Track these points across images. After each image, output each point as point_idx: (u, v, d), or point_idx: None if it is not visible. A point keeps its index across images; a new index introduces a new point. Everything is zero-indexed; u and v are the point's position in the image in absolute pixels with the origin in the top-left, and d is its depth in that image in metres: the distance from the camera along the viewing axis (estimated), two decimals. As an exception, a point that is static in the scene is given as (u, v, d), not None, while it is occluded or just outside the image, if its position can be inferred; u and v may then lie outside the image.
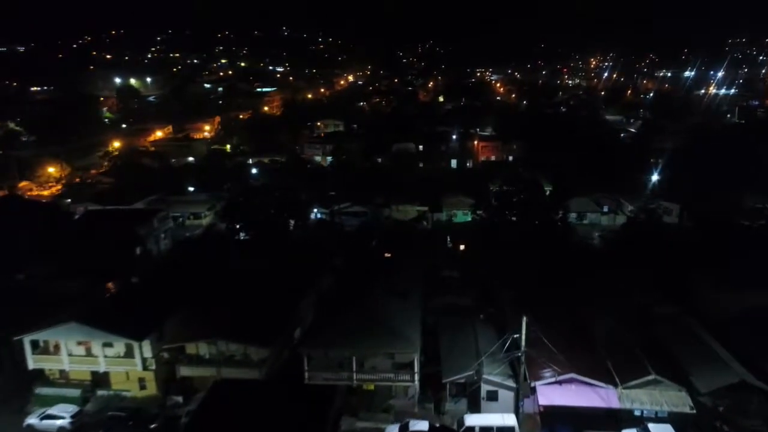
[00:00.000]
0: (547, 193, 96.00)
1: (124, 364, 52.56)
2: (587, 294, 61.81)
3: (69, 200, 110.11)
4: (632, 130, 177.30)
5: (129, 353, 52.47)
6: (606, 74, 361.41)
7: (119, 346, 52.91)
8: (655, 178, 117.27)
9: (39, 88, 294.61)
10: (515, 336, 46.28)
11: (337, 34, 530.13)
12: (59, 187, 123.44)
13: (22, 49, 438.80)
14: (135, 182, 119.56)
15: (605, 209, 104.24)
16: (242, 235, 79.47)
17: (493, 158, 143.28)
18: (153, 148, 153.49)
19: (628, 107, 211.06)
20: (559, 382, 47.25)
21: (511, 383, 48.74)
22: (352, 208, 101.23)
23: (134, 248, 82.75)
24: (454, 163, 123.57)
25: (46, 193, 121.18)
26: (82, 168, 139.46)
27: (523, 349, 45.92)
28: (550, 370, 47.28)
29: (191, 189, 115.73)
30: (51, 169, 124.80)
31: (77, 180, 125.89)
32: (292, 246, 75.87)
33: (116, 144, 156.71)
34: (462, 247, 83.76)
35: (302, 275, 65.54)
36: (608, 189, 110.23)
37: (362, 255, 77.75)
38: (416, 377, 49.71)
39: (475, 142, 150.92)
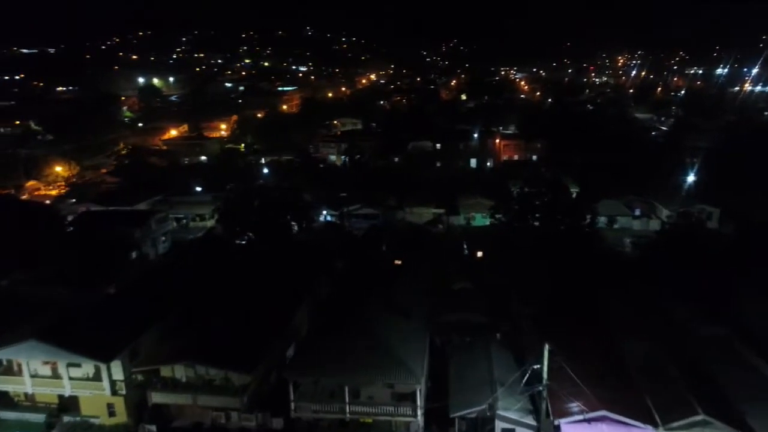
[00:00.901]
0: (573, 195, 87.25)
1: (91, 388, 46.06)
2: (618, 310, 53.86)
3: (73, 200, 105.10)
4: (663, 128, 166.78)
5: (97, 375, 45.96)
6: (634, 72, 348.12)
7: (88, 367, 46.48)
8: (690, 179, 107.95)
9: (64, 88, 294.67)
10: (536, 367, 38.65)
11: (360, 33, 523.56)
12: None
13: (52, 50, 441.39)
14: (141, 182, 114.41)
15: (637, 213, 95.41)
16: (244, 238, 72.74)
17: (515, 157, 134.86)
18: (165, 147, 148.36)
19: (659, 105, 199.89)
20: (588, 421, 39.32)
21: (530, 421, 41.08)
22: (362, 209, 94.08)
23: (128, 252, 76.81)
24: (473, 162, 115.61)
25: (53, 192, 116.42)
26: (93, 167, 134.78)
27: (545, 382, 38.28)
28: (577, 405, 39.35)
29: (198, 189, 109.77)
30: (58, 168, 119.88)
31: (85, 179, 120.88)
32: (293, 250, 68.78)
33: (128, 143, 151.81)
34: (479, 254, 75.91)
35: (301, 283, 58.82)
36: (640, 191, 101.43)
37: (369, 261, 70.45)
38: (419, 411, 42.29)
39: (497, 141, 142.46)
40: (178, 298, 55.95)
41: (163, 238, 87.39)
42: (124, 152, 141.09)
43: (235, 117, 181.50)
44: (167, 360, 45.17)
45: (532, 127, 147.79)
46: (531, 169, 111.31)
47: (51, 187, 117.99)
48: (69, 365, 46.20)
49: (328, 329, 47.83)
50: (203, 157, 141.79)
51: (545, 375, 38.28)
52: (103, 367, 45.12)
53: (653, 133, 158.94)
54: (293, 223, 74.11)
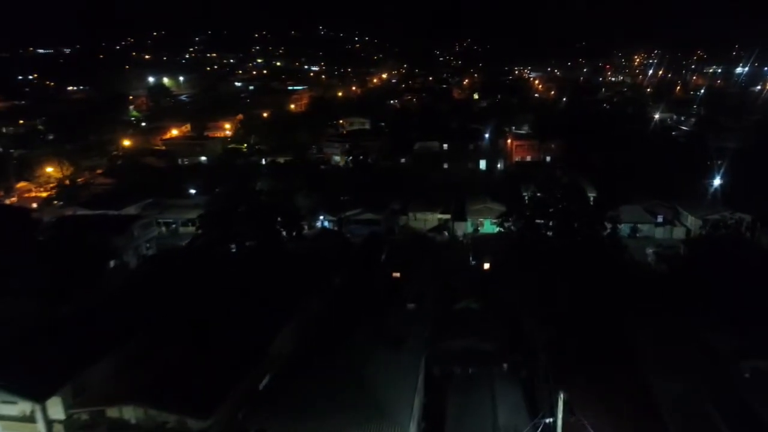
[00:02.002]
0: (591, 199, 78.85)
1: (25, 430, 38.86)
2: (648, 339, 45.76)
3: (61, 203, 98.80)
4: (684, 127, 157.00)
5: (32, 415, 38.80)
6: (651, 71, 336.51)
7: (24, 404, 39.33)
8: (717, 182, 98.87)
9: (75, 88, 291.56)
10: (548, 421, 30.85)
11: (373, 33, 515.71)
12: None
13: (67, 51, 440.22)
14: (135, 184, 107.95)
15: (659, 219, 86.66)
16: (228, 248, 65.32)
17: (528, 158, 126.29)
18: (163, 147, 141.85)
19: (679, 104, 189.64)
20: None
21: (541, 484, 33.24)
22: (363, 215, 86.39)
23: (105, 262, 69.86)
24: (483, 163, 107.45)
25: (44, 194, 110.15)
26: (90, 168, 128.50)
27: (559, 440, 30.54)
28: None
29: (193, 192, 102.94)
30: (49, 169, 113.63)
31: (79, 180, 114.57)
32: (282, 262, 61.31)
33: (126, 143, 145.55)
34: (486, 265, 67.96)
35: (287, 301, 51.37)
36: (662, 195, 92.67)
37: (364, 275, 62.87)
38: (406, 467, 34.58)
39: (509, 141, 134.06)
40: (147, 318, 48.97)
41: (148, 246, 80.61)
42: (117, 153, 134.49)
43: (240, 116, 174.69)
44: (112, 401, 37.88)
45: (547, 127, 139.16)
46: (545, 171, 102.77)
47: (42, 189, 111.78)
48: (2, 402, 39.11)
49: (307, 361, 40.33)
50: (203, 158, 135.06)
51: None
52: (37, 406, 37.94)
53: (674, 133, 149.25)
54: (283, 231, 66.43)
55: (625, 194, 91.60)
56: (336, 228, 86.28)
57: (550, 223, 65.31)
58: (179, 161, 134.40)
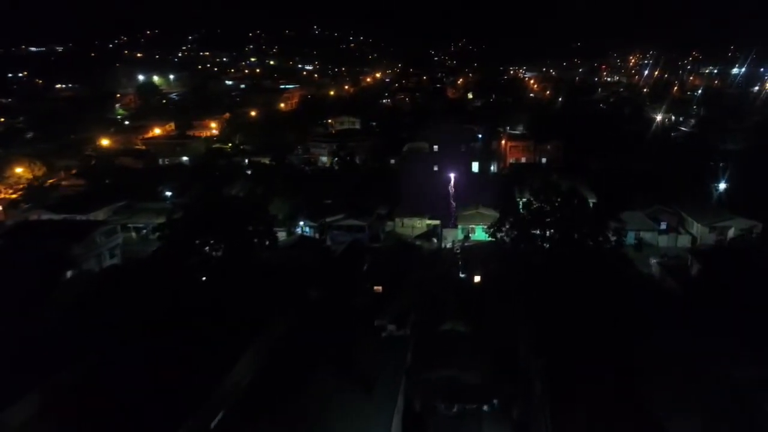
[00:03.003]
0: (590, 206, 72.31)
1: None
2: (658, 369, 39.61)
3: (27, 206, 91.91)
4: (684, 128, 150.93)
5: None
6: (647, 71, 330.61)
7: None
8: (722, 186, 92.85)
9: (64, 86, 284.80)
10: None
11: (368, 33, 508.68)
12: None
13: (60, 49, 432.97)
14: (108, 185, 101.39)
15: (663, 227, 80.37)
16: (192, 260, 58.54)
17: (523, 160, 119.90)
18: (143, 147, 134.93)
19: (677, 104, 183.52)
20: None
21: None
22: (346, 220, 79.87)
23: (61, 272, 63.20)
24: (475, 166, 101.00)
25: (14, 196, 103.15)
26: (65, 168, 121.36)
27: None
28: None
29: (169, 194, 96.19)
30: (19, 170, 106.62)
31: (50, 182, 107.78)
32: (251, 275, 54.72)
33: (104, 142, 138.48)
34: (477, 278, 61.53)
35: (251, 322, 44.85)
36: (664, 200, 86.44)
37: (343, 289, 56.43)
38: None
39: (503, 142, 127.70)
40: (89, 341, 42.61)
41: (114, 253, 73.90)
42: (91, 153, 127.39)
43: (227, 115, 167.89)
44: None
45: (542, 128, 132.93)
46: (541, 173, 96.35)
47: (11, 191, 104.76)
48: None
49: (264, 399, 33.86)
50: (185, 158, 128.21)
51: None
52: None
53: (673, 134, 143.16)
54: (255, 239, 59.79)
55: (625, 199, 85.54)
56: (317, 235, 79.78)
57: (547, 233, 58.90)
58: (160, 161, 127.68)
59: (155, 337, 42.45)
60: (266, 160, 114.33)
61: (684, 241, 77.47)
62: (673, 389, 37.63)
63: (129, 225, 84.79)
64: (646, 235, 76.96)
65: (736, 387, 37.95)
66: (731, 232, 76.22)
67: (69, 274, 64.17)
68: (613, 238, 56.56)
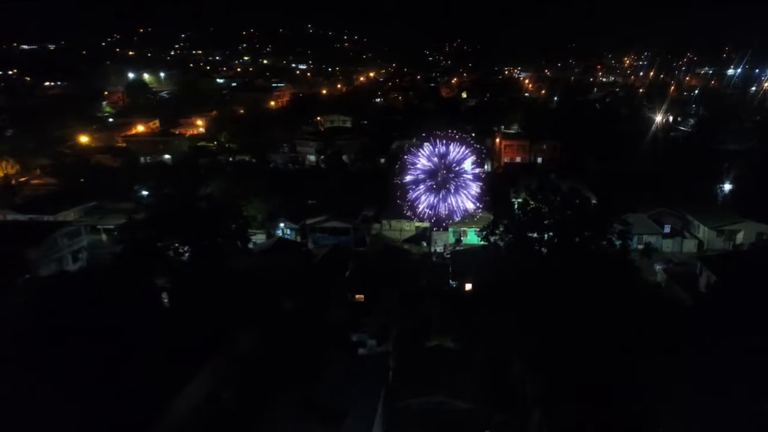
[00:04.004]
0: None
1: None
2: (670, 392, 34.42)
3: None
4: (683, 128, 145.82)
5: None
6: (643, 72, 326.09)
7: None
8: (727, 187, 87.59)
9: (52, 83, 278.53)
10: None
11: (363, 32, 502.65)
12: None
13: (52, 47, 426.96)
14: (82, 184, 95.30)
15: (666, 230, 74.98)
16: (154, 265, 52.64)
17: (518, 159, 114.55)
18: (123, 144, 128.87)
19: (675, 104, 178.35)
20: None
21: None
22: (330, 222, 74.18)
23: (14, 278, 57.23)
24: (468, 164, 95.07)
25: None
26: (41, 166, 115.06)
27: None
28: None
29: (145, 193, 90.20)
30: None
31: (20, 180, 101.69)
32: (217, 284, 48.87)
33: (83, 139, 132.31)
34: (468, 286, 56.01)
35: (202, 342, 39.11)
36: (667, 202, 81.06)
37: (320, 299, 50.76)
38: None
39: (498, 140, 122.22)
40: (24, 364, 36.70)
41: (78, 257, 68.00)
42: (67, 150, 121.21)
43: (214, 112, 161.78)
44: None
45: (538, 127, 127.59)
46: (537, 173, 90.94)
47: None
48: None
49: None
50: (167, 156, 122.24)
51: None
52: None
53: (672, 134, 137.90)
54: (225, 243, 54.02)
55: (625, 201, 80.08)
56: (299, 237, 74.07)
57: (545, 237, 53.35)
58: (141, 160, 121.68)
59: (88, 354, 36.66)
60: (248, 158, 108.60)
61: (690, 245, 72.15)
62: (691, 420, 32.35)
63: (99, 226, 78.88)
64: (650, 239, 71.47)
65: (761, 420, 32.69)
66: (740, 236, 70.98)
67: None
68: (618, 242, 51.00)
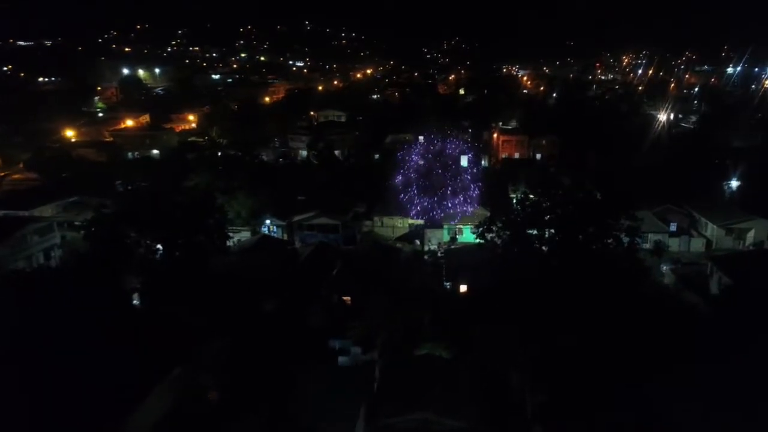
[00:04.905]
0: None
1: None
2: (688, 410, 30.47)
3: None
4: (684, 125, 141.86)
5: None
6: (642, 70, 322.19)
7: None
8: (734, 184, 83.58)
9: (46, 79, 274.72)
10: None
11: (360, 29, 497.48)
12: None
13: (49, 43, 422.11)
14: (64, 179, 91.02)
15: (672, 228, 70.84)
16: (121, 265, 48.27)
17: (516, 155, 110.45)
18: (110, 139, 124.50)
19: (675, 101, 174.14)
20: None
21: None
22: (318, 219, 69.96)
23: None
24: (464, 160, 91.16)
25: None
26: (26, 161, 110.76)
27: None
28: None
29: (132, 186, 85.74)
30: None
31: (1, 174, 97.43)
32: (189, 286, 44.59)
33: (69, 133, 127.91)
34: (463, 288, 51.86)
35: (166, 352, 34.96)
36: (671, 199, 76.95)
37: (303, 300, 46.60)
38: None
39: (495, 136, 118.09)
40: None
41: (51, 254, 63.73)
42: (50, 144, 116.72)
43: (206, 108, 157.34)
44: None
45: (536, 123, 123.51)
46: (536, 169, 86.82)
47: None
48: None
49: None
50: (155, 151, 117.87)
51: None
52: None
53: (673, 130, 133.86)
54: (201, 240, 49.73)
55: (629, 197, 75.88)
56: (285, 235, 69.85)
57: (545, 234, 49.16)
58: (129, 155, 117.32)
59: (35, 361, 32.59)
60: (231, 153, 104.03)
61: (697, 244, 68.10)
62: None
63: (77, 223, 74.37)
64: (656, 238, 67.28)
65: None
66: (751, 235, 66.89)
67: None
68: (626, 240, 46.82)
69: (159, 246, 49.12)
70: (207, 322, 38.38)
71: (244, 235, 69.03)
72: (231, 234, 64.22)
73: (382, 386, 34.34)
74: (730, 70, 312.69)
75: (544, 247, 48.79)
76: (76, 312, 39.11)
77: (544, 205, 50.53)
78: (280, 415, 26.90)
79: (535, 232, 50.26)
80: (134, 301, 48.19)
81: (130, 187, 75.30)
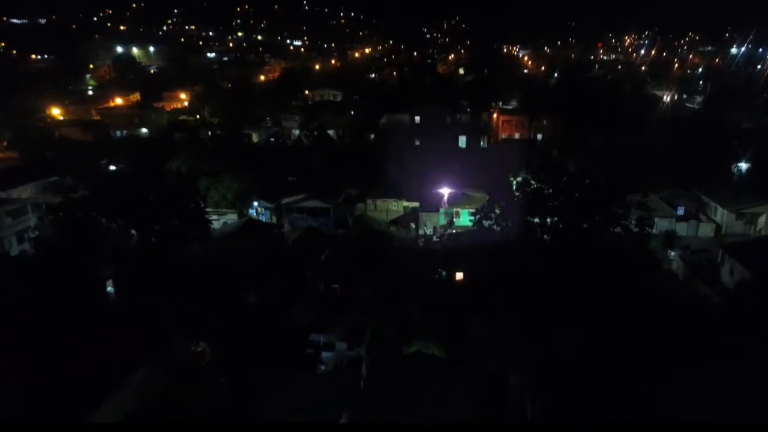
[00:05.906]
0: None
1: None
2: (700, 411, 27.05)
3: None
4: (690, 105, 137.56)
5: None
6: (644, 50, 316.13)
7: None
8: (744, 166, 79.85)
9: (38, 57, 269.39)
10: None
11: (359, 9, 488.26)
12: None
13: (43, 21, 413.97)
14: (47, 159, 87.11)
15: (680, 212, 67.28)
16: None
17: (516, 136, 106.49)
18: (98, 117, 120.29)
19: (680, 82, 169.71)
20: None
21: None
22: (308, 202, 66.34)
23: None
24: (462, 141, 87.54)
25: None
26: (9, 140, 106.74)
27: None
28: None
29: (113, 168, 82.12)
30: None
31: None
32: (167, 274, 41.14)
33: (55, 111, 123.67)
34: (459, 275, 48.43)
35: (134, 348, 31.63)
36: (680, 181, 73.36)
37: (287, 289, 43.20)
38: None
39: (495, 116, 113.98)
40: None
41: (25, 238, 60.12)
42: (33, 122, 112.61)
43: (198, 86, 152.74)
44: None
45: (537, 103, 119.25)
46: (537, 150, 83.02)
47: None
48: None
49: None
50: (144, 130, 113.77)
51: None
52: None
53: (679, 111, 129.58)
54: (176, 225, 46.16)
55: (634, 181, 72.25)
56: (274, 218, 66.31)
57: (548, 221, 45.65)
58: (118, 134, 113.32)
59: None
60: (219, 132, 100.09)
61: (706, 229, 64.59)
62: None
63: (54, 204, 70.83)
64: (662, 223, 63.72)
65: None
66: (762, 220, 63.42)
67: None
68: (636, 229, 43.35)
69: (133, 232, 45.56)
70: (178, 318, 35.00)
71: (231, 217, 65.54)
72: (216, 217, 60.97)
73: (369, 387, 31.11)
74: (734, 50, 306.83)
75: (546, 236, 45.30)
76: (42, 301, 35.94)
77: (546, 192, 46.97)
78: (258, 414, 23.66)
79: (536, 220, 46.84)
80: (108, 289, 45.01)
81: (113, 168, 71.38)
